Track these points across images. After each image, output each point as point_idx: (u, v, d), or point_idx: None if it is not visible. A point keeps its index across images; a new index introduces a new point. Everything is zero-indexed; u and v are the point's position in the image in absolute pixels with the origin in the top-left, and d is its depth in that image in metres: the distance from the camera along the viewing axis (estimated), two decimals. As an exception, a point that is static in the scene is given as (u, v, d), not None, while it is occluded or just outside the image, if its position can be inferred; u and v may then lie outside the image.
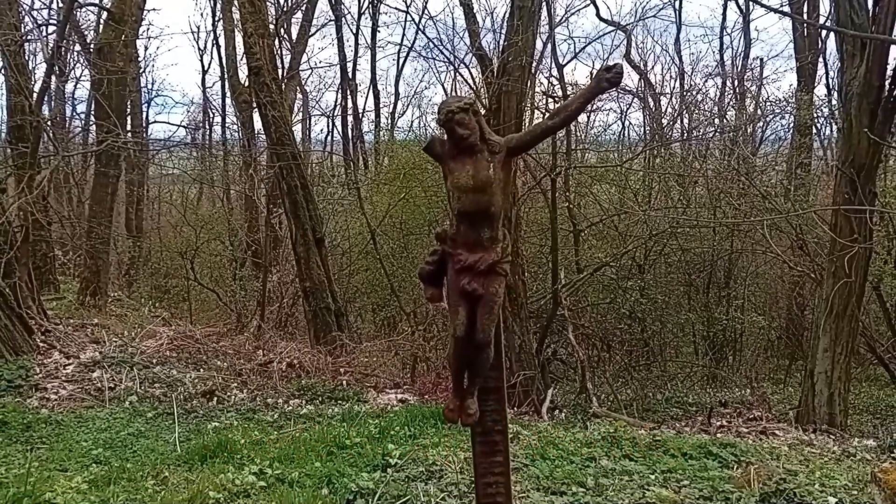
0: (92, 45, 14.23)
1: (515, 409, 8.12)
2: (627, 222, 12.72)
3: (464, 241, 2.45)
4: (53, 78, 12.80)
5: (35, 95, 10.66)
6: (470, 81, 12.18)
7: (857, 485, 4.33)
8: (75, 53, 15.62)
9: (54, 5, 13.19)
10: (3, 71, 11.69)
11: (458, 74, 12.98)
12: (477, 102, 2.53)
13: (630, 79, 18.39)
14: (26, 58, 12.27)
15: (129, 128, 16.87)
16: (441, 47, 12.56)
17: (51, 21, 12.93)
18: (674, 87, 19.59)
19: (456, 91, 15.67)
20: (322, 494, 4.10)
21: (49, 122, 12.19)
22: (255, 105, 12.00)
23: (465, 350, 2.47)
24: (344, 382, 8.40)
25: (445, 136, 2.45)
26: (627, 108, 19.61)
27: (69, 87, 19.57)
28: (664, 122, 16.23)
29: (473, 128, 2.39)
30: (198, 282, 16.38)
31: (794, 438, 6.71)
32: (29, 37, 12.27)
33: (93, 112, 16.88)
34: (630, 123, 20.43)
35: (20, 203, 8.35)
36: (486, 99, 9.06)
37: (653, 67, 20.88)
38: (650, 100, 17.55)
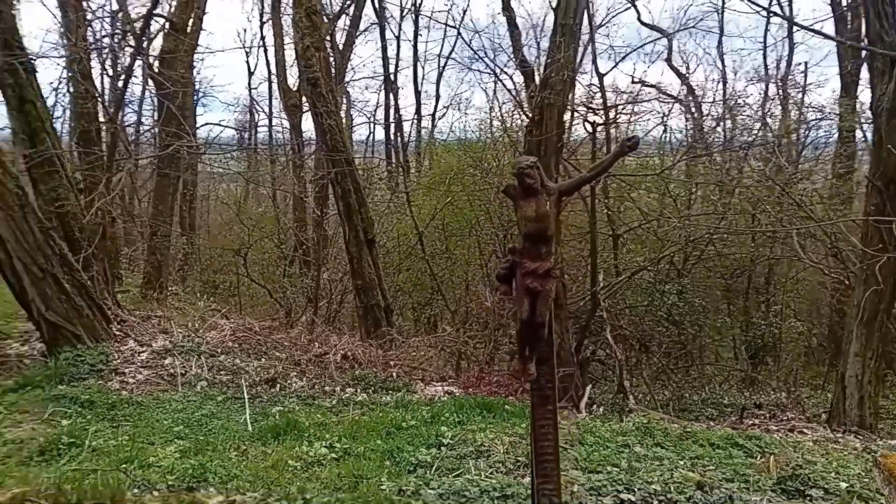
0: (154, 55, 15.11)
1: (565, 403, 8.58)
2: (666, 227, 13.05)
3: (528, 254, 3.43)
4: (123, 85, 13.66)
5: (105, 103, 11.53)
6: (511, 89, 12.67)
7: (870, 473, 4.71)
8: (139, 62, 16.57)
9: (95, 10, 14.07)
10: (71, 80, 12.63)
11: (499, 83, 13.45)
12: (538, 163, 3.39)
13: (670, 84, 18.62)
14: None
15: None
16: (483, 57, 13.01)
17: (116, 32, 13.89)
18: (716, 92, 19.70)
19: (498, 99, 16.19)
20: (386, 465, 4.67)
21: (124, 128, 13.06)
22: (309, 112, 12.67)
23: (527, 329, 3.41)
24: (394, 374, 8.98)
25: (517, 183, 3.45)
26: (668, 113, 19.78)
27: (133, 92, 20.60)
28: (705, 127, 16.44)
29: (536, 178, 3.37)
30: (249, 278, 17.18)
31: (820, 436, 7.06)
32: (95, 47, 13.21)
33: (154, 117, 17.88)
34: (671, 129, 20.61)
35: (101, 203, 9.14)
36: (528, 110, 9.54)
37: (694, 71, 20.99)
38: (692, 106, 17.74)
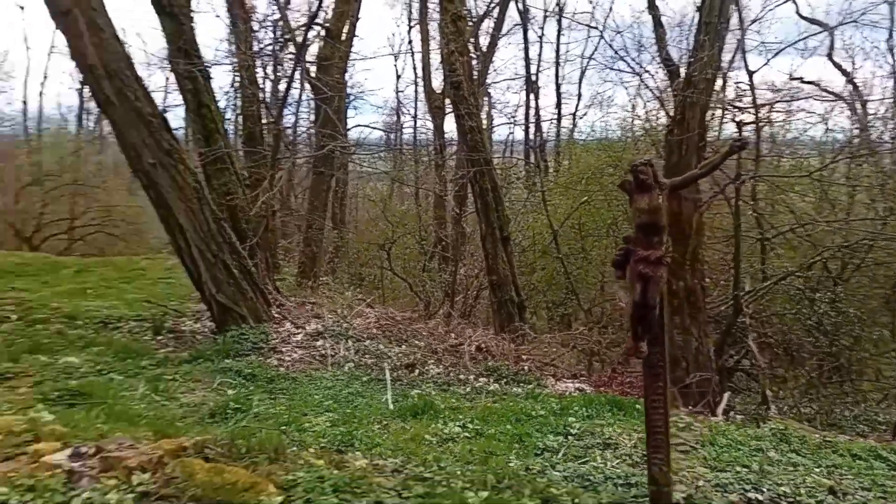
0: (311, 62, 16.28)
1: (690, 408, 8.45)
2: (820, 232, 12.30)
3: (641, 243, 3.75)
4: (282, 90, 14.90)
5: (268, 107, 12.68)
6: (654, 87, 12.47)
7: None
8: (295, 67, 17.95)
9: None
10: (239, 85, 13.97)
11: (642, 82, 13.27)
12: (653, 160, 3.63)
13: (831, 81, 17.33)
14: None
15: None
16: (625, 57, 12.86)
17: (278, 41, 15.15)
18: (884, 89, 18.12)
19: (641, 97, 15.98)
20: (514, 447, 4.95)
21: (285, 130, 14.29)
22: (452, 114, 13.21)
23: (638, 310, 3.71)
24: (525, 368, 9.24)
25: (632, 179, 3.79)
26: (829, 112, 18.45)
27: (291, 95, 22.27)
28: (869, 126, 15.21)
29: (649, 174, 3.70)
30: (392, 272, 18.09)
31: None
32: (260, 54, 14.52)
33: (310, 119, 19.23)
34: (832, 128, 19.18)
35: (266, 198, 10.14)
36: (670, 109, 9.41)
37: (860, 67, 19.38)
38: (856, 104, 16.47)
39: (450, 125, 21.31)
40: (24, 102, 34.04)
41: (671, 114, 9.21)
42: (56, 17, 8.13)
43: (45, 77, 45.74)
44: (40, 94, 40.81)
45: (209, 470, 3.47)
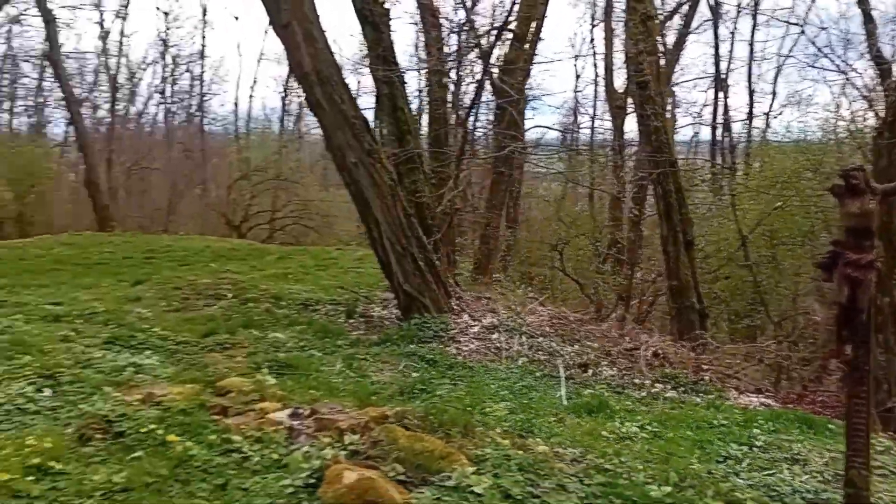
0: (494, 64, 16.71)
1: (892, 433, 7.74)
2: None
3: (851, 246, 3.69)
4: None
5: (457, 109, 13.27)
6: (862, 87, 11.43)
7: None
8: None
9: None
10: (429, 88, 14.72)
11: (848, 82, 12.20)
12: (864, 167, 3.50)
13: None
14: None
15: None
16: (829, 54, 11.87)
17: (467, 45, 15.73)
18: None
19: (846, 97, 14.66)
20: (696, 452, 4.90)
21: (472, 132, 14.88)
22: (633, 113, 13.01)
23: (844, 314, 3.64)
24: (706, 378, 8.93)
25: (843, 183, 3.73)
26: None
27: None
28: None
29: (861, 179, 3.64)
30: (564, 272, 18.15)
31: None
32: (449, 59, 15.19)
33: (489, 120, 19.76)
34: None
35: (450, 196, 10.69)
36: (881, 110, 8.61)
37: None
38: None
39: (630, 125, 20.92)
40: (236, 104, 38.16)
41: (881, 115, 8.43)
42: (277, 29, 9.17)
43: (255, 81, 50.84)
44: (250, 97, 45.49)
45: (409, 437, 3.86)
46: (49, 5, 22.99)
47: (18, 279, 13.28)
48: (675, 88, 23.85)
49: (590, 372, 8.78)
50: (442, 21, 14.89)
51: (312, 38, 8.81)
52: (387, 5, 11.48)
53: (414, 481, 3.50)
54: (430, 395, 6.75)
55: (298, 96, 39.20)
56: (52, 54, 22.71)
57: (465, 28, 15.80)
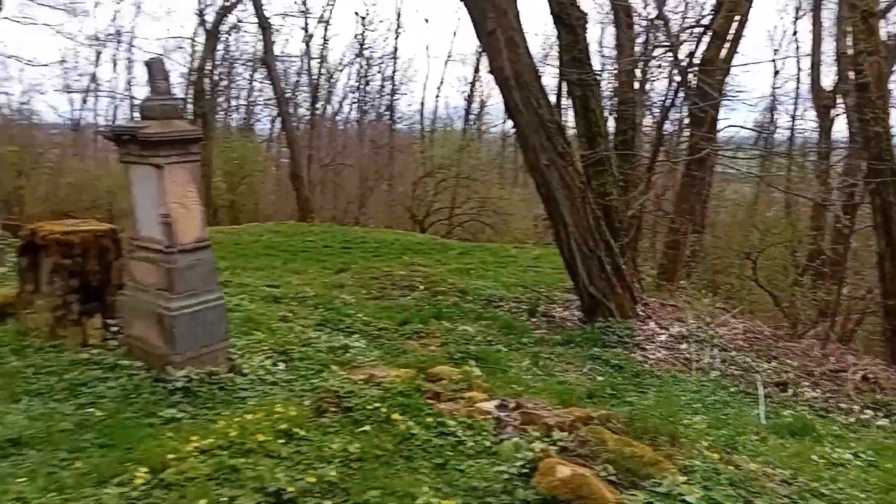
0: (686, 62, 16.06)
1: None
2: None
3: None
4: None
5: (651, 112, 12.98)
6: None
7: None
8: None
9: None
10: (618, 90, 14.48)
11: None
12: None
13: None
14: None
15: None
16: None
17: (665, 44, 15.28)
18: None
19: None
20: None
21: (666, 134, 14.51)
22: (851, 117, 11.94)
23: None
24: (929, 409, 8.09)
25: None
26: None
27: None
28: None
29: None
30: (757, 283, 17.02)
31: None
32: (643, 59, 14.86)
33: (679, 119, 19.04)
34: None
35: (641, 200, 10.53)
36: None
37: None
38: None
39: (839, 127, 19.16)
40: (422, 103, 39.86)
41: None
42: (481, 36, 9.57)
43: (442, 82, 52.66)
44: (436, 96, 47.13)
45: (618, 441, 3.98)
46: (265, 13, 25.50)
47: (237, 262, 14.94)
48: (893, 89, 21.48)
49: (789, 392, 8.30)
50: (636, 20, 14.63)
51: (514, 44, 9.11)
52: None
53: (624, 483, 3.62)
54: (620, 402, 6.78)
55: (481, 96, 40.37)
56: (266, 58, 25.24)
57: (659, 27, 15.40)
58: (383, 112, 40.48)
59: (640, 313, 10.59)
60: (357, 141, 38.53)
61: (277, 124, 35.83)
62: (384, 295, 11.72)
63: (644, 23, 15.66)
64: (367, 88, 39.51)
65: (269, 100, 34.08)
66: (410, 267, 14.06)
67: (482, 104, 41.84)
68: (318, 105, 36.34)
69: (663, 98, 13.58)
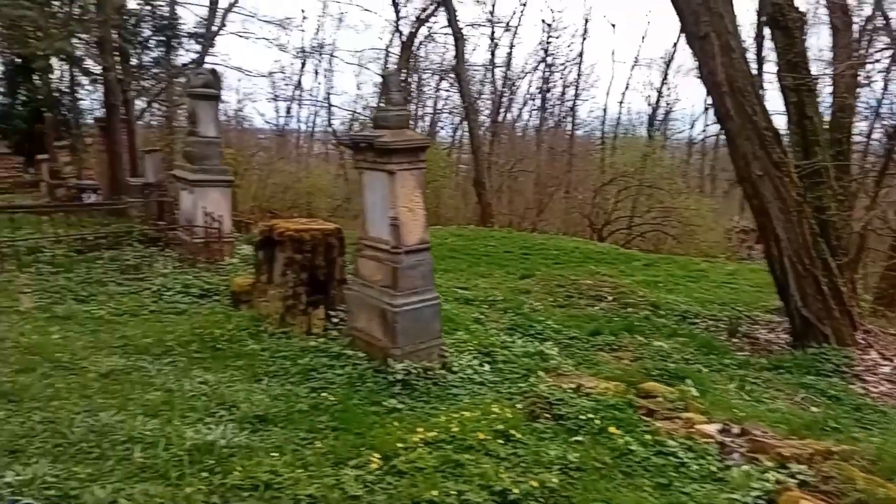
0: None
1: None
2: None
3: None
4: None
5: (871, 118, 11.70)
6: None
7: None
8: None
9: None
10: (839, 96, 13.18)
11: None
12: None
13: None
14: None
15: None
16: None
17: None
18: None
19: None
20: None
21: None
22: None
23: None
24: None
25: None
26: None
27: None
28: None
29: None
30: None
31: None
32: (862, 61, 13.41)
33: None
34: None
35: (868, 216, 9.52)
36: None
37: None
38: None
39: None
40: (604, 110, 39.15)
41: None
42: (692, 40, 9.16)
43: (627, 87, 51.49)
44: (619, 102, 46.08)
45: (867, 480, 3.62)
46: (459, 24, 26.36)
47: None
48: None
49: None
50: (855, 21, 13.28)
51: (729, 48, 8.63)
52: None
53: (880, 529, 3.29)
54: (843, 437, 6.15)
55: (667, 101, 38.81)
56: (457, 67, 26.07)
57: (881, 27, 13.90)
58: (563, 118, 40.28)
59: (861, 341, 9.56)
60: (536, 147, 38.67)
61: (459, 132, 36.98)
62: (571, 303, 11.61)
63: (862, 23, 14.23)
64: (548, 95, 39.52)
65: (455, 108, 35.21)
66: (596, 276, 13.80)
67: (668, 110, 40.29)
68: (500, 112, 36.92)
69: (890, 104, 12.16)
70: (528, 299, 11.37)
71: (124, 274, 8.93)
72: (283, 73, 36.32)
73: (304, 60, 36.16)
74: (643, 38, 52.38)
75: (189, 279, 8.87)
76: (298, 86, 37.49)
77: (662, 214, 29.61)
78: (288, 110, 38.61)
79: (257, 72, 38.36)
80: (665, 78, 37.84)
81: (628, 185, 29.73)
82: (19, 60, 21.63)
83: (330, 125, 37.59)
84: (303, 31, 44.28)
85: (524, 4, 34.06)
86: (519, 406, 4.94)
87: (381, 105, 5.40)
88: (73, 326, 6.51)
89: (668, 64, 37.40)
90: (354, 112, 34.22)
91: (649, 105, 38.71)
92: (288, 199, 32.66)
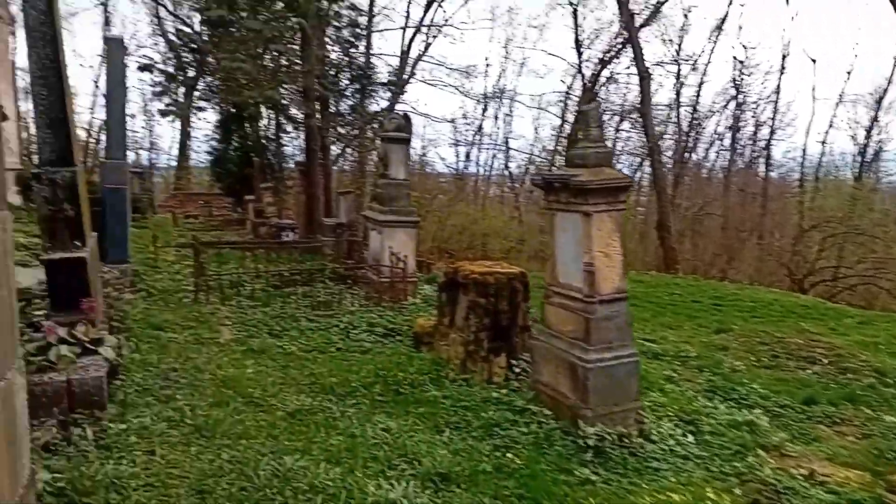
0: None
1: None
2: None
3: None
4: None
5: None
6: None
7: None
8: None
9: None
10: None
11: None
12: None
13: None
14: None
15: None
16: None
17: None
18: None
19: None
20: None
21: None
22: None
23: None
24: None
25: None
26: None
27: None
28: None
29: None
30: None
31: None
32: None
33: None
34: None
35: None
36: None
37: None
38: None
39: None
40: (803, 149, 35.78)
41: None
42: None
43: (830, 126, 46.93)
44: (821, 142, 42.04)
45: None
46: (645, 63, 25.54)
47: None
48: None
49: None
50: None
51: None
52: None
53: None
54: None
55: (878, 141, 34.69)
56: (643, 107, 25.15)
57: None
58: (755, 159, 37.44)
59: None
60: (724, 189, 36.20)
61: (638, 173, 35.59)
62: (777, 365, 10.29)
63: None
64: (738, 134, 37.01)
65: (636, 149, 34.04)
66: (805, 334, 12.23)
67: (878, 150, 35.98)
68: (685, 153, 35.12)
69: None
70: (727, 357, 10.25)
71: (315, 310, 9.23)
72: (466, 118, 37.35)
73: (486, 105, 36.94)
74: (849, 73, 47.44)
75: (374, 318, 8.98)
76: (479, 130, 38.33)
77: (876, 265, 26.17)
78: (468, 154, 39.58)
79: (442, 117, 39.82)
80: (875, 116, 33.88)
81: (835, 232, 26.68)
82: (233, 110, 24.11)
83: (507, 168, 37.92)
84: (486, 76, 45.40)
85: (715, 42, 32.26)
86: (737, 492, 4.21)
87: (578, 139, 5.01)
88: (265, 361, 6.71)
89: (879, 101, 33.50)
90: (532, 155, 34.21)
91: (856, 145, 34.80)
92: (464, 240, 33.18)
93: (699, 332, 12.56)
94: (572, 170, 4.99)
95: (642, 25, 26.89)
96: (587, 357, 4.89)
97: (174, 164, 37.46)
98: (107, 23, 35.64)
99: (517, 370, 6.34)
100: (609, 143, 37.20)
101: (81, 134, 37.09)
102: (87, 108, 35.41)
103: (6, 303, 2.67)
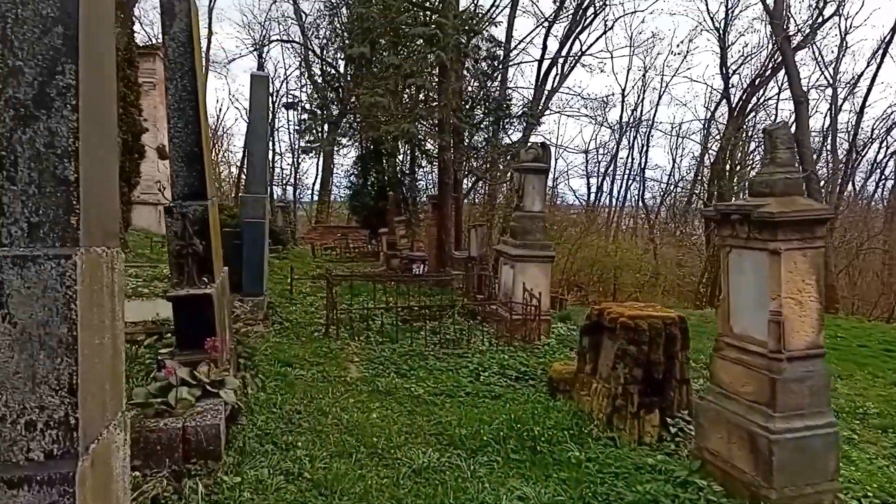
0: None
1: None
2: None
3: None
4: None
5: None
6: None
7: None
8: None
9: None
10: None
11: None
12: None
13: None
14: None
15: None
16: None
17: None
18: None
19: None
20: None
21: None
22: None
23: None
24: None
25: None
26: None
27: None
28: None
29: None
30: None
31: None
32: None
33: None
34: None
35: None
36: None
37: None
38: None
39: None
40: None
41: None
42: None
43: None
44: None
45: None
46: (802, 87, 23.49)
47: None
48: None
49: None
50: None
51: None
52: None
53: None
54: None
55: None
56: (798, 134, 23.03)
57: None
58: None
59: None
60: (886, 222, 32.59)
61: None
62: None
63: None
64: (901, 161, 33.29)
65: (795, 177, 31.33)
66: None
67: None
68: (842, 183, 31.99)
69: None
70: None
71: (443, 348, 8.77)
72: (599, 149, 36.24)
73: (622, 135, 35.68)
74: None
75: (505, 358, 8.38)
76: (613, 160, 37.05)
77: None
78: (600, 185, 38.31)
79: (575, 147, 38.92)
80: None
81: None
82: (371, 146, 24.64)
83: (641, 199, 36.26)
84: (623, 105, 44.01)
85: (879, 65, 29.09)
86: None
87: (765, 163, 4.19)
88: (391, 404, 6.27)
89: None
90: (668, 185, 32.44)
91: None
92: (594, 273, 31.84)
93: (875, 383, 10.87)
94: (755, 199, 4.17)
95: (798, 47, 24.81)
96: (772, 426, 4.01)
97: (316, 198, 39.10)
98: (260, 67, 38.13)
99: (673, 430, 5.49)
100: (751, 174, 34.80)
101: (233, 170, 39.69)
102: (240, 148, 37.81)
103: (107, 351, 2.33)
